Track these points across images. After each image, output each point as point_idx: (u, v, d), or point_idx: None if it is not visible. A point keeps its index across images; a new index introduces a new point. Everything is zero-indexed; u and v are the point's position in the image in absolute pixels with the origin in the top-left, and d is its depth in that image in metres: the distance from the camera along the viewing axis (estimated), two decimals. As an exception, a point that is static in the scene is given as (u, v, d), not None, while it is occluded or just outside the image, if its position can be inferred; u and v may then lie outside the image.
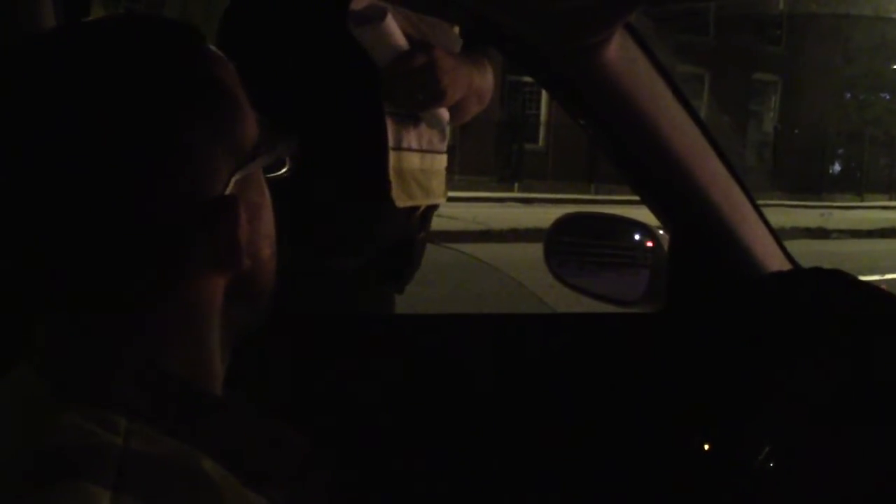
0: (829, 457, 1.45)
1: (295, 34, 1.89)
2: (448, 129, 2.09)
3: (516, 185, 22.69)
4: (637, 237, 1.90)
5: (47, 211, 0.75)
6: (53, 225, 0.76)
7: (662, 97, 1.63)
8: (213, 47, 0.85)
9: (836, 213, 20.16)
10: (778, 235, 1.86)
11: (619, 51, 1.49)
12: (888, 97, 31.21)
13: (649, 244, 1.87)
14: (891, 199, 28.58)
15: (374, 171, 1.90)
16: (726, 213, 1.74)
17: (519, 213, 16.68)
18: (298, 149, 0.91)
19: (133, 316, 0.80)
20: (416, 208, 2.04)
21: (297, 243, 1.79)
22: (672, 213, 1.80)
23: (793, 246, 1.92)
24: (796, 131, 29.54)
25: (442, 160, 2.11)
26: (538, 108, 25.80)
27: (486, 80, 2.07)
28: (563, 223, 2.00)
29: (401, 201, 1.94)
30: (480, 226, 13.79)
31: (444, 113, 1.96)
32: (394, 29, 1.79)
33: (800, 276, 1.79)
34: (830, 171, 30.97)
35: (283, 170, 0.92)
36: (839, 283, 1.66)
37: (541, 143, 26.07)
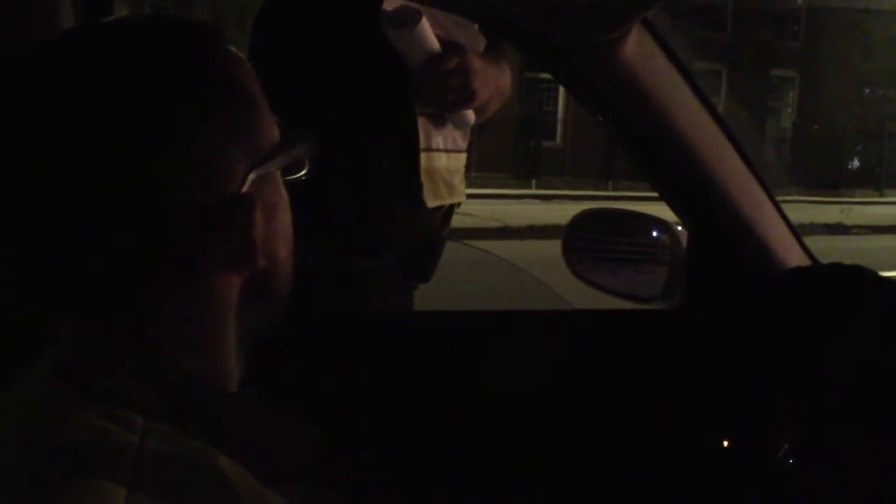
0: (850, 454, 1.44)
1: (327, 36, 1.89)
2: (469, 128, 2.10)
3: (534, 181, 22.67)
4: (655, 233, 1.90)
5: (60, 209, 0.76)
6: (66, 223, 0.76)
7: (681, 93, 1.62)
8: (230, 47, 0.85)
9: (856, 208, 20.05)
10: (797, 231, 1.85)
11: (637, 47, 1.48)
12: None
13: (667, 240, 1.87)
14: (911, 195, 28.42)
15: (406, 172, 1.91)
16: (745, 208, 1.73)
17: (536, 209, 16.65)
18: (318, 151, 0.91)
19: (148, 314, 0.80)
20: (440, 207, 2.04)
21: (326, 243, 1.81)
22: (691, 210, 1.80)
23: (812, 242, 1.90)
24: (815, 127, 29.39)
25: (463, 158, 2.12)
26: (555, 105, 25.79)
27: (506, 78, 2.07)
28: (581, 220, 1.99)
29: (431, 201, 1.96)
30: (498, 222, 13.78)
31: (471, 113, 1.98)
32: (427, 32, 1.79)
33: (819, 272, 1.78)
34: (849, 167, 30.80)
35: (303, 172, 0.92)
36: (859, 278, 1.65)
37: (558, 139, 26.06)
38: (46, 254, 0.78)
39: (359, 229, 1.93)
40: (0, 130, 0.77)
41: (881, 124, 30.31)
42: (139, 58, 0.79)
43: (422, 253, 2.06)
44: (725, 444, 1.61)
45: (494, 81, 1.96)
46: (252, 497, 0.77)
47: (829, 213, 18.10)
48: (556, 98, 25.43)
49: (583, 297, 2.18)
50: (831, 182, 27.23)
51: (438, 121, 1.97)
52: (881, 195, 28.12)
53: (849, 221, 17.30)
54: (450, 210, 2.11)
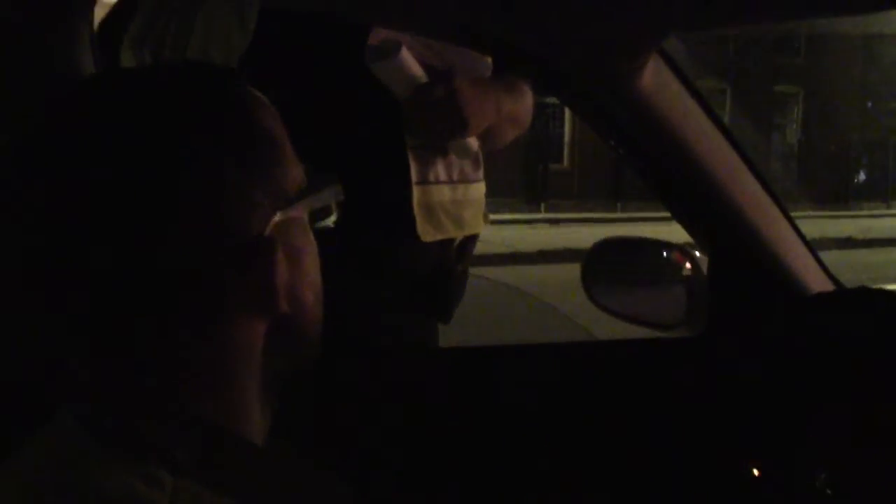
0: (892, 482, 1.42)
1: (314, 74, 1.86)
2: (481, 157, 2.06)
3: (542, 205, 22.65)
4: (674, 259, 1.88)
5: (77, 253, 0.75)
6: (85, 266, 0.75)
7: (696, 118, 1.61)
8: (253, 90, 0.85)
9: (864, 221, 20.01)
10: (816, 253, 1.83)
11: (654, 75, 1.48)
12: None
13: (688, 266, 1.85)
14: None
15: (397, 206, 1.88)
16: (765, 232, 1.72)
17: (547, 233, 16.66)
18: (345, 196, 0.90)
19: (169, 361, 0.79)
20: (451, 240, 2.01)
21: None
22: (710, 235, 1.78)
23: (824, 257, 1.88)
24: (821, 142, 29.39)
25: (477, 189, 2.06)
26: (562, 128, 25.78)
27: (521, 103, 2.01)
28: (599, 248, 1.98)
29: (428, 236, 1.91)
30: (509, 248, 13.75)
31: (473, 142, 1.92)
32: (409, 62, 1.77)
33: (845, 297, 1.76)
34: (856, 181, 30.77)
35: (331, 218, 0.91)
36: (885, 302, 1.63)
37: (566, 162, 26.05)
38: (58, 299, 0.77)
39: (356, 265, 1.88)
40: (27, 172, 0.77)
41: (886, 137, 30.28)
42: (157, 100, 0.79)
43: (436, 288, 2.03)
44: (756, 473, 1.58)
45: (494, 108, 1.90)
46: None
47: (838, 226, 18.05)
48: (562, 121, 25.41)
49: (599, 322, 2.17)
50: (839, 196, 27.20)
51: (436, 152, 1.93)
52: (888, 207, 28.07)
53: (858, 235, 17.23)
54: (467, 243, 2.08)
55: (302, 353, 0.90)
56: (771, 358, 1.71)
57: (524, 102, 2.04)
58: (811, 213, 20.21)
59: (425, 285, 2.00)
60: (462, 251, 2.07)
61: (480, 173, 2.08)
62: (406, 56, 1.76)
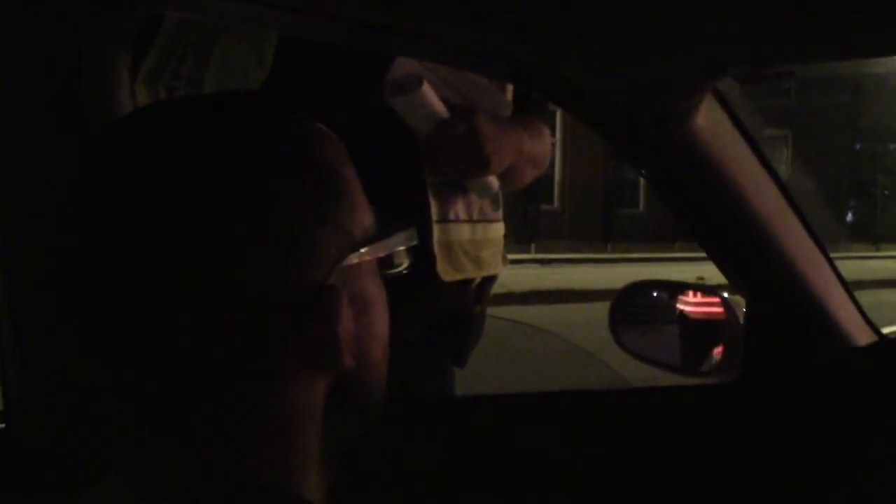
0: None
1: (332, 109, 1.81)
2: (501, 196, 2.01)
3: (533, 245, 22.65)
4: (708, 305, 1.82)
5: (128, 309, 0.68)
6: (134, 325, 0.69)
7: (746, 160, 1.57)
8: (321, 126, 0.78)
9: (853, 263, 20.09)
10: (857, 301, 1.77)
11: (708, 115, 1.42)
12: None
13: (722, 312, 1.78)
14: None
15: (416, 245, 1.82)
16: (810, 279, 1.66)
17: (538, 273, 16.63)
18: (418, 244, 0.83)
19: (222, 422, 0.72)
20: (469, 281, 1.95)
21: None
22: (752, 279, 1.71)
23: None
24: (809, 184, 29.61)
25: (497, 229, 2.03)
26: (552, 168, 25.83)
27: (540, 143, 1.99)
28: (629, 291, 1.92)
29: (447, 276, 1.87)
30: (502, 288, 13.68)
31: (493, 180, 1.88)
32: (430, 97, 1.72)
33: (890, 350, 1.69)
34: (845, 222, 30.96)
35: (403, 266, 0.83)
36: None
37: (556, 203, 26.09)
38: (111, 362, 0.71)
39: None
40: (80, 217, 0.71)
41: (874, 179, 30.51)
42: (218, 137, 0.72)
43: (453, 330, 1.97)
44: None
45: (516, 146, 1.87)
46: None
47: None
48: (552, 161, 25.47)
49: (616, 357, 2.11)
50: (829, 237, 27.34)
51: (458, 190, 1.89)
52: (877, 249, 28.19)
53: (850, 277, 17.28)
54: (485, 284, 2.03)
55: (366, 414, 0.82)
56: (809, 409, 1.65)
57: (543, 143, 2.02)
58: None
59: (442, 328, 1.94)
60: (480, 292, 2.02)
61: (500, 213, 2.04)
62: (427, 91, 1.71)
